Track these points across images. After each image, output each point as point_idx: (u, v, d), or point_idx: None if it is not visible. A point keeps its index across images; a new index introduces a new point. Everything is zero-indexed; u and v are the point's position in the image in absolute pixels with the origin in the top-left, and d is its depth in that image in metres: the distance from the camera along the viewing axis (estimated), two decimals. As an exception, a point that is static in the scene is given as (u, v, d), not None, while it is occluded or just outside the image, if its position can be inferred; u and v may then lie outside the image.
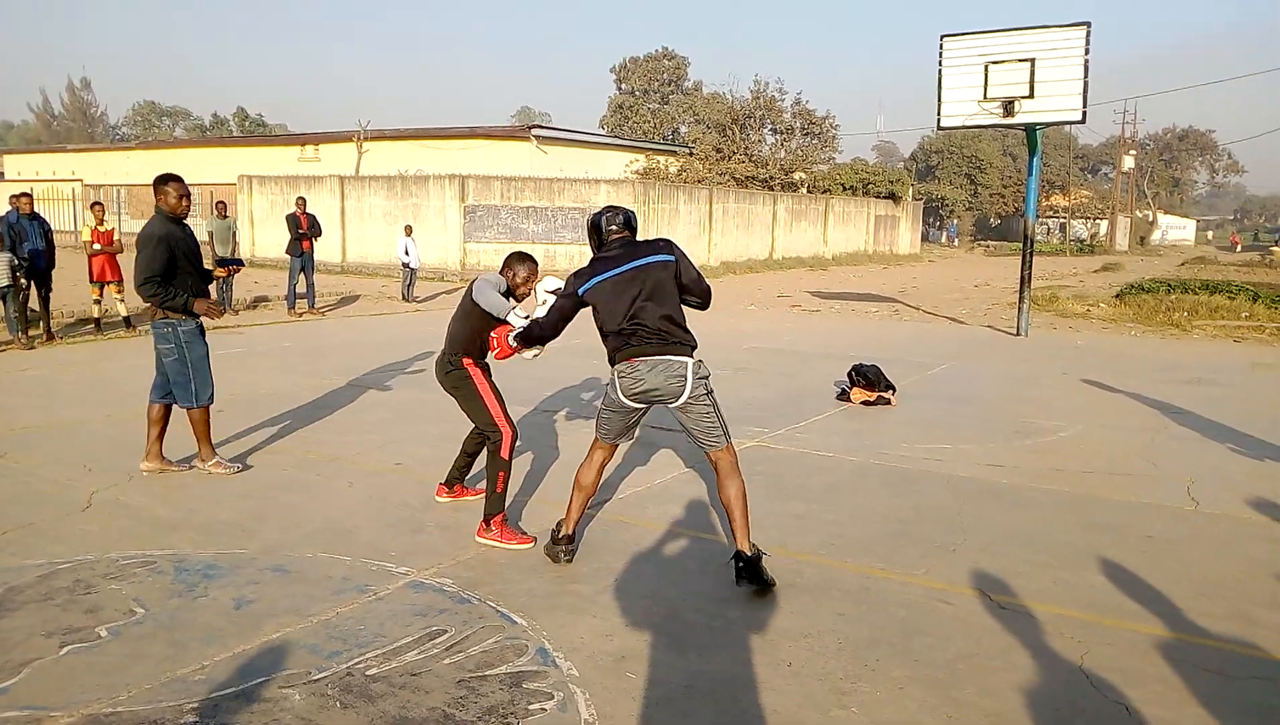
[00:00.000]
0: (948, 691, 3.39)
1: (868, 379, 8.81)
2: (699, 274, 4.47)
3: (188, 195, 5.91)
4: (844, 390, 8.93)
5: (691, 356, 4.31)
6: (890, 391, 8.79)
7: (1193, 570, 4.61)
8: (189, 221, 6.06)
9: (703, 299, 4.50)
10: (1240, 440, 7.35)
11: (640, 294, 4.28)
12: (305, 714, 3.17)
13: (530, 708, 3.23)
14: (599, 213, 4.55)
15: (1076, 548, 4.90)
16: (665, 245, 4.42)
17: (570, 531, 4.59)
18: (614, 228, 4.48)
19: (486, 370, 5.11)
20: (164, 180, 5.86)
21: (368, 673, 3.45)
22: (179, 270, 5.78)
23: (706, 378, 4.33)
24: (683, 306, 4.41)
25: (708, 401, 4.31)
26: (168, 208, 5.82)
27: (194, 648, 3.63)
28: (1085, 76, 12.87)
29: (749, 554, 4.20)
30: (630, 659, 3.61)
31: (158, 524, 5.07)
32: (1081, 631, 3.89)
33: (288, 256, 15.75)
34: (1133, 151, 61.51)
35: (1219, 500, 5.78)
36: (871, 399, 8.67)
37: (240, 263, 6.77)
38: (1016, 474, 6.33)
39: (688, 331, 4.36)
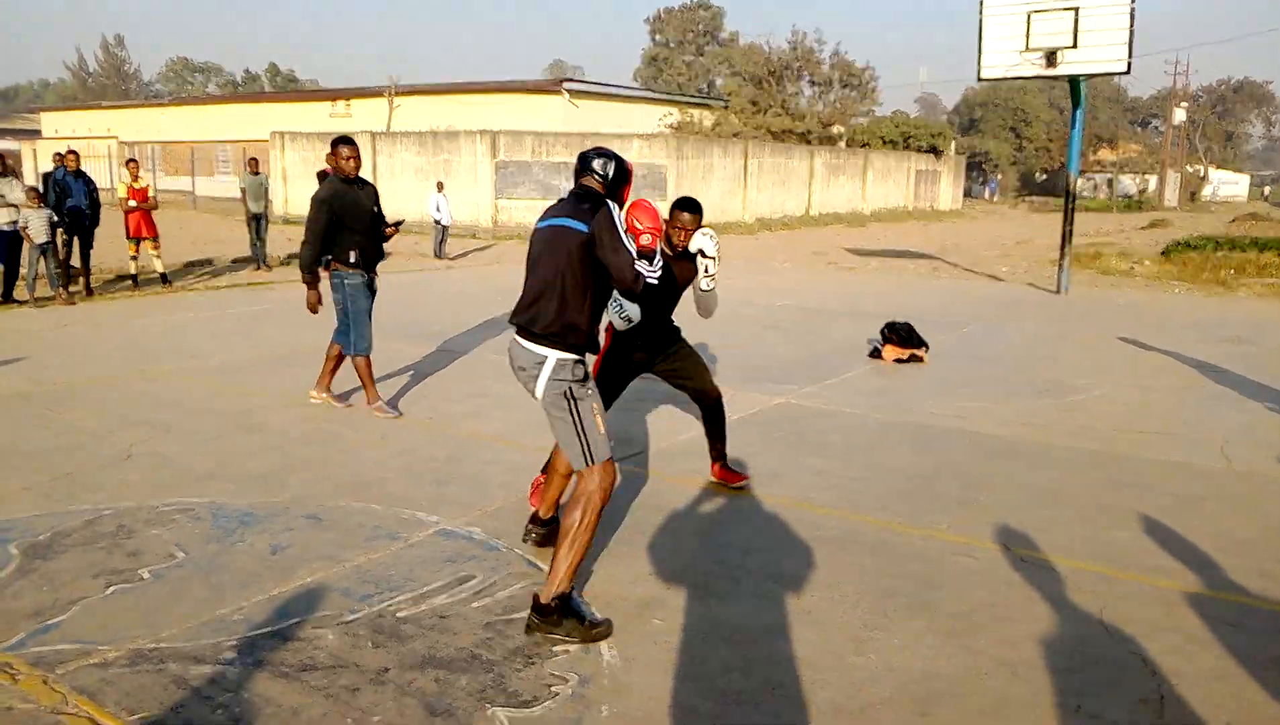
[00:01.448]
0: (964, 641, 3.44)
1: (900, 336, 8.77)
2: (626, 258, 3.46)
3: (357, 156, 6.19)
4: (876, 348, 8.90)
5: (561, 352, 3.50)
6: (923, 349, 8.74)
7: (1219, 527, 4.59)
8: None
9: (619, 286, 3.57)
10: (1278, 399, 7.24)
11: (540, 260, 3.60)
12: (338, 652, 3.29)
13: (554, 649, 3.33)
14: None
15: (1101, 504, 4.90)
16: (589, 210, 3.52)
17: (545, 514, 4.25)
18: (577, 170, 3.73)
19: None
20: (337, 142, 6.19)
21: (398, 615, 3.57)
22: (344, 228, 6.09)
23: (572, 384, 3.50)
24: (578, 287, 3.51)
25: (567, 411, 3.48)
26: (337, 168, 6.12)
27: (232, 590, 3.78)
28: (1131, 25, 12.52)
29: (542, 602, 3.42)
30: (652, 605, 3.70)
31: (195, 474, 5.23)
32: (1102, 585, 3.91)
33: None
34: (1184, 104, 59.74)
35: (1251, 458, 5.73)
36: (904, 357, 8.64)
37: (398, 224, 6.86)
38: (1044, 432, 6.31)
39: (569, 323, 3.50)
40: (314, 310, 6.37)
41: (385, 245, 6.57)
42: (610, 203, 3.55)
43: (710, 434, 5.14)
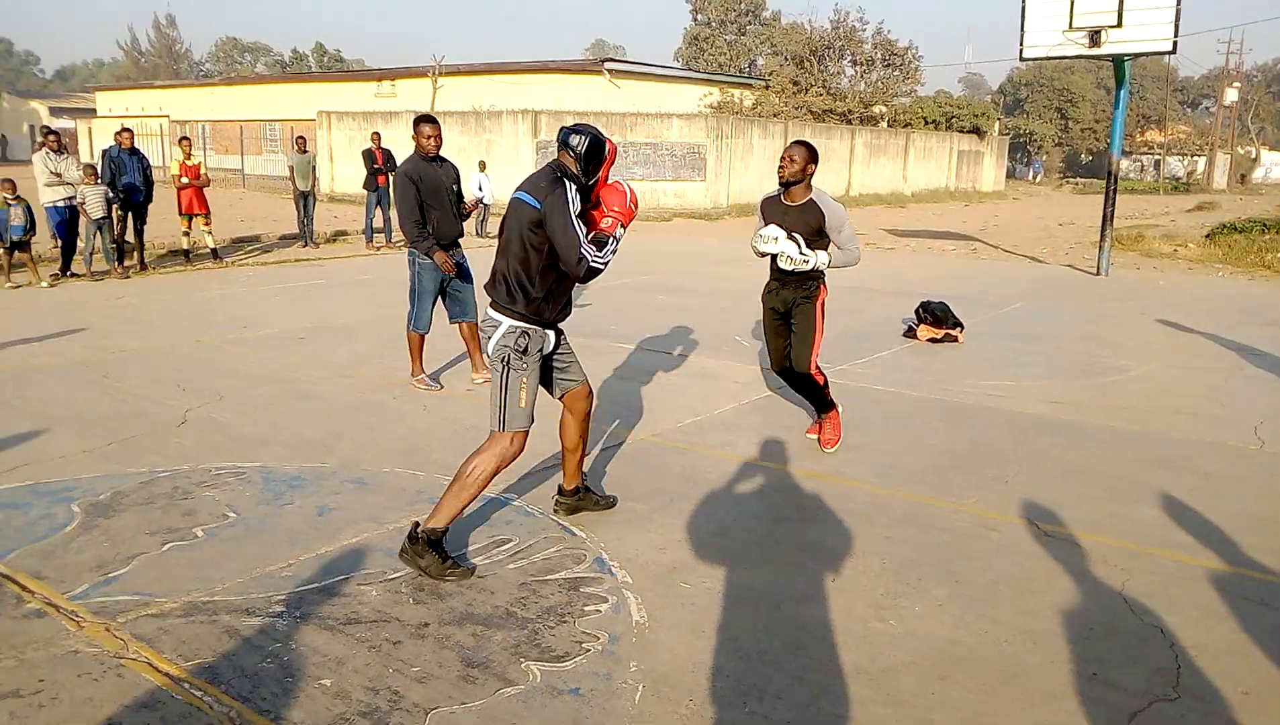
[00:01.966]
0: (986, 610, 3.52)
1: (935, 316, 8.78)
2: (572, 240, 3.61)
3: (437, 135, 6.35)
4: (910, 327, 8.92)
5: (511, 320, 3.75)
6: (958, 329, 8.74)
7: (1248, 507, 4.61)
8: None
9: (564, 267, 3.68)
10: (1319, 382, 7.17)
11: (503, 230, 3.84)
12: (381, 607, 3.46)
13: (586, 609, 3.47)
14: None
15: (1131, 482, 4.93)
16: (546, 186, 3.68)
17: (568, 486, 4.37)
18: (558, 145, 3.85)
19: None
20: (419, 120, 6.36)
21: (437, 575, 3.72)
22: (423, 205, 6.28)
23: (511, 352, 3.73)
24: (529, 261, 3.71)
25: (500, 374, 3.75)
26: (418, 146, 6.30)
27: (281, 548, 3.96)
28: (1178, 4, 12.28)
29: (416, 531, 3.68)
30: (681, 570, 3.82)
31: (246, 440, 5.44)
32: (1127, 560, 3.96)
33: (364, 191, 16.14)
34: (1237, 84, 58.09)
35: (1287, 440, 5.71)
36: (938, 336, 8.65)
37: (476, 203, 7.03)
38: (1078, 411, 6.32)
39: (519, 290, 3.73)
40: (450, 270, 6.44)
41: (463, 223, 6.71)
42: (567, 182, 3.68)
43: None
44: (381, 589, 3.61)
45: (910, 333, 8.82)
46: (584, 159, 3.76)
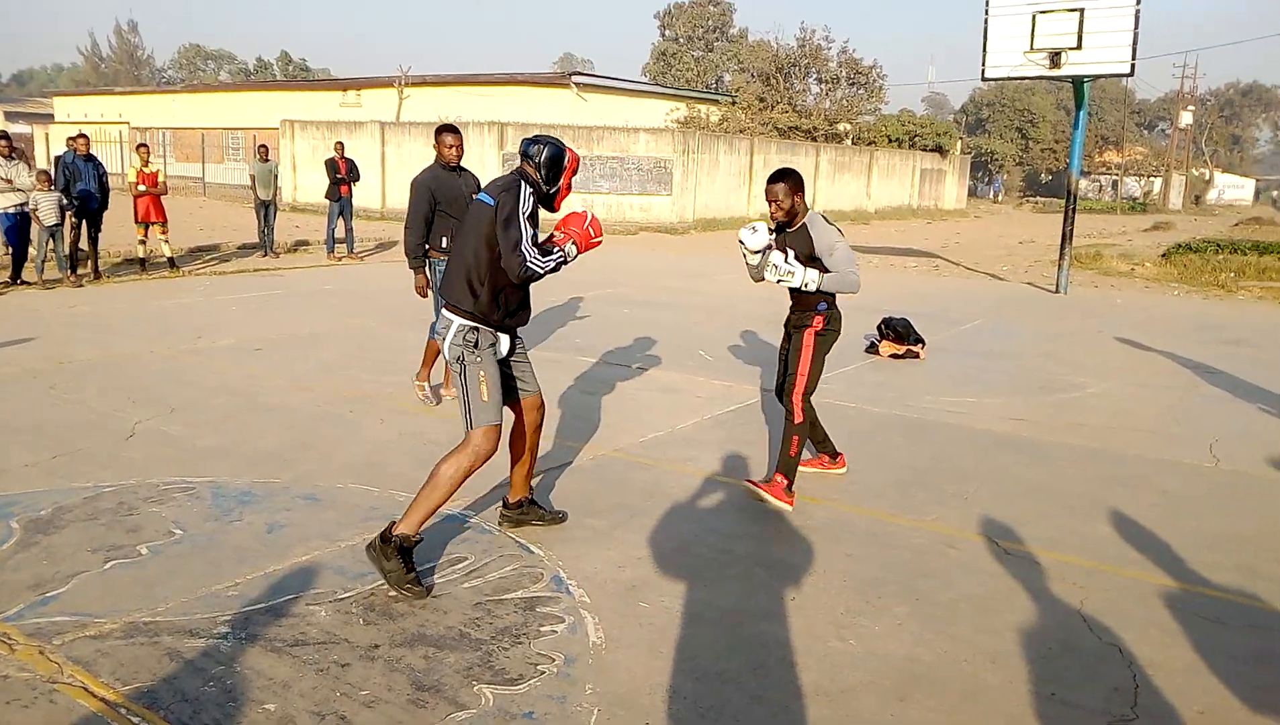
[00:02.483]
0: (945, 628, 3.50)
1: (897, 332, 8.83)
2: (514, 238, 3.68)
3: (459, 144, 6.27)
4: (872, 343, 8.95)
5: (461, 318, 3.79)
6: (919, 345, 8.79)
7: (1204, 524, 4.65)
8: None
9: (504, 264, 3.72)
10: (1272, 401, 7.29)
11: (461, 230, 3.92)
12: (330, 628, 3.36)
13: (542, 629, 3.40)
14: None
15: (1089, 500, 4.95)
16: (502, 186, 3.80)
17: (513, 498, 4.35)
18: (520, 155, 3.93)
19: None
20: (441, 130, 6.30)
21: (390, 594, 3.63)
22: (438, 213, 6.21)
23: (465, 349, 3.77)
24: (480, 261, 3.77)
25: (459, 374, 3.80)
26: (439, 155, 6.25)
27: (228, 567, 3.85)
28: (1136, 28, 12.52)
29: (390, 532, 3.65)
30: (641, 588, 3.76)
31: (197, 453, 5.30)
32: (1084, 578, 3.96)
33: (327, 201, 15.95)
34: (1191, 107, 59.59)
35: (1240, 458, 5.78)
36: (900, 352, 8.69)
37: None
38: (1037, 428, 6.36)
39: (469, 290, 3.77)
40: (423, 294, 6.38)
41: None
42: (524, 185, 3.77)
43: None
44: (331, 609, 3.51)
45: (872, 348, 8.86)
46: (544, 167, 3.83)
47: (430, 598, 3.62)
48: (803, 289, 4.63)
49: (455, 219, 6.28)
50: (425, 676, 3.06)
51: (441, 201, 6.20)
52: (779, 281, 4.65)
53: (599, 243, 4.00)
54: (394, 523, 3.68)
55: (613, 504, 4.69)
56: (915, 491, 5.02)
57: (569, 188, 3.93)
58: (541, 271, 3.75)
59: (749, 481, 4.81)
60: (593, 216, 3.97)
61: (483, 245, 3.77)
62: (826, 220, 4.68)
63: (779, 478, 4.69)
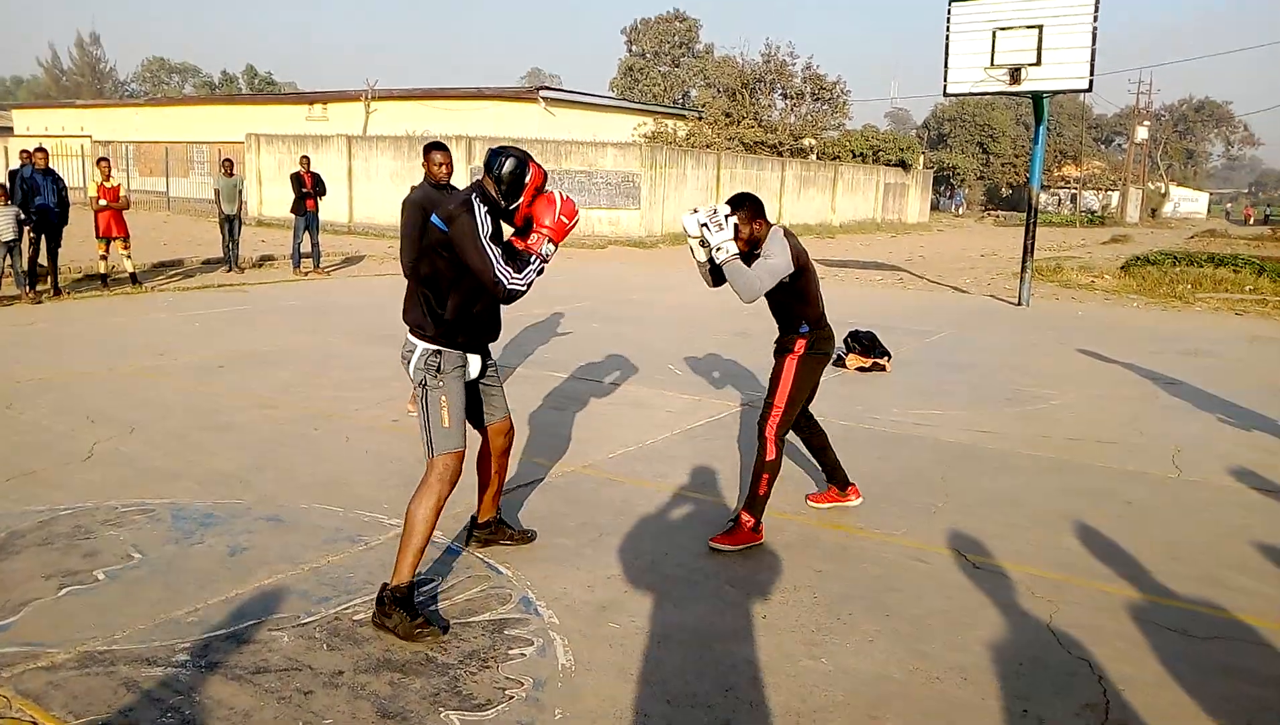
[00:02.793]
0: (916, 644, 3.50)
1: (863, 345, 8.87)
2: (485, 264, 3.50)
3: (448, 162, 6.20)
4: (839, 356, 8.98)
5: (423, 342, 3.65)
6: (885, 358, 8.84)
7: (1167, 534, 4.69)
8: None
9: (487, 290, 3.56)
10: (1230, 411, 7.40)
11: (419, 253, 3.76)
12: (293, 654, 3.29)
13: (510, 652, 3.35)
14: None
15: (1055, 512, 4.99)
16: (454, 210, 3.60)
17: (482, 518, 4.29)
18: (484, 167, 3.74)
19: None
20: (429, 147, 6.20)
21: (355, 618, 3.57)
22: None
23: (426, 373, 3.64)
24: (438, 284, 3.63)
25: (420, 398, 3.67)
26: (428, 173, 6.16)
27: (188, 592, 3.75)
28: (1093, 45, 12.75)
29: (389, 590, 3.49)
30: (610, 609, 3.72)
31: (157, 474, 5.19)
32: (1052, 591, 3.98)
33: (292, 216, 15.79)
34: (1147, 122, 60.83)
35: (1201, 468, 5.86)
36: (866, 365, 8.74)
37: None
38: (1003, 440, 6.41)
39: (426, 313, 3.65)
40: None
41: None
42: (476, 204, 3.56)
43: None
44: (294, 634, 3.43)
45: (839, 362, 8.89)
46: (503, 182, 3.62)
47: (396, 621, 3.55)
48: (713, 255, 4.21)
49: None
50: (390, 703, 3.00)
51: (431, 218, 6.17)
52: (714, 246, 4.18)
53: (575, 225, 3.78)
54: (384, 584, 3.51)
55: (582, 522, 4.65)
56: (884, 505, 5.03)
57: (529, 205, 3.69)
58: (524, 287, 3.56)
59: (712, 544, 4.33)
60: (563, 198, 3.71)
61: (436, 268, 3.61)
62: (788, 234, 4.41)
63: (745, 517, 4.36)
